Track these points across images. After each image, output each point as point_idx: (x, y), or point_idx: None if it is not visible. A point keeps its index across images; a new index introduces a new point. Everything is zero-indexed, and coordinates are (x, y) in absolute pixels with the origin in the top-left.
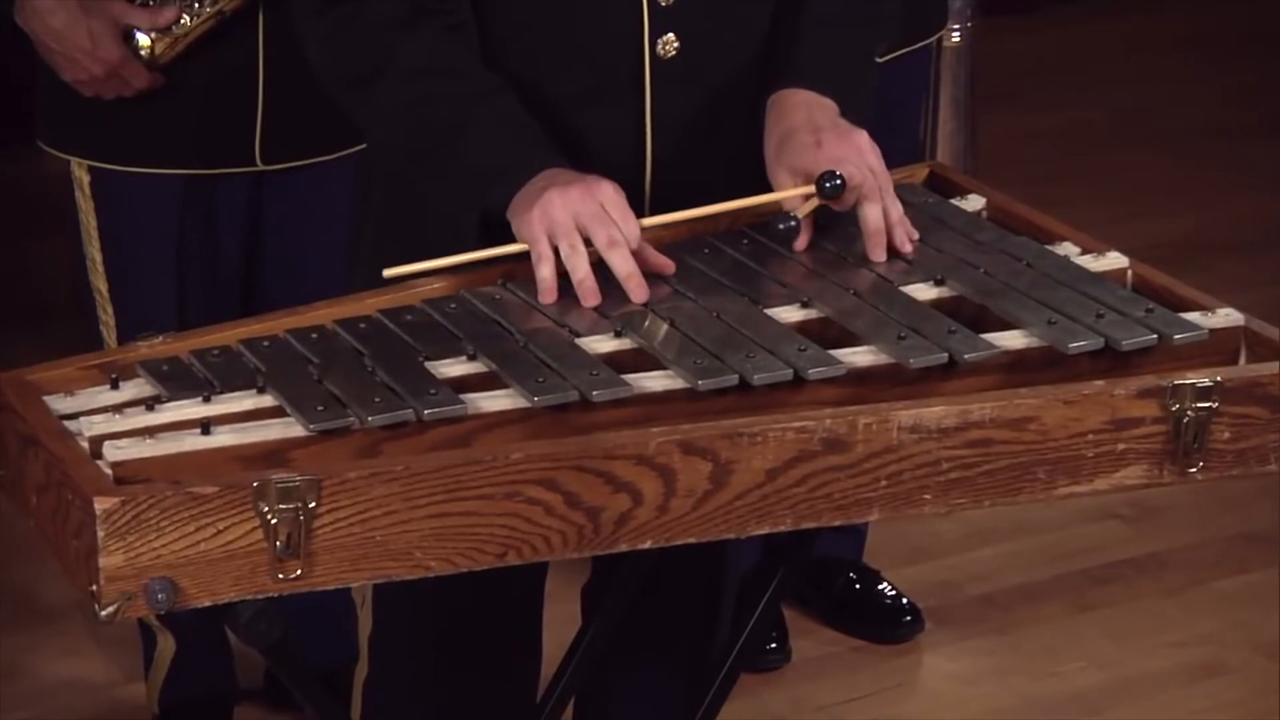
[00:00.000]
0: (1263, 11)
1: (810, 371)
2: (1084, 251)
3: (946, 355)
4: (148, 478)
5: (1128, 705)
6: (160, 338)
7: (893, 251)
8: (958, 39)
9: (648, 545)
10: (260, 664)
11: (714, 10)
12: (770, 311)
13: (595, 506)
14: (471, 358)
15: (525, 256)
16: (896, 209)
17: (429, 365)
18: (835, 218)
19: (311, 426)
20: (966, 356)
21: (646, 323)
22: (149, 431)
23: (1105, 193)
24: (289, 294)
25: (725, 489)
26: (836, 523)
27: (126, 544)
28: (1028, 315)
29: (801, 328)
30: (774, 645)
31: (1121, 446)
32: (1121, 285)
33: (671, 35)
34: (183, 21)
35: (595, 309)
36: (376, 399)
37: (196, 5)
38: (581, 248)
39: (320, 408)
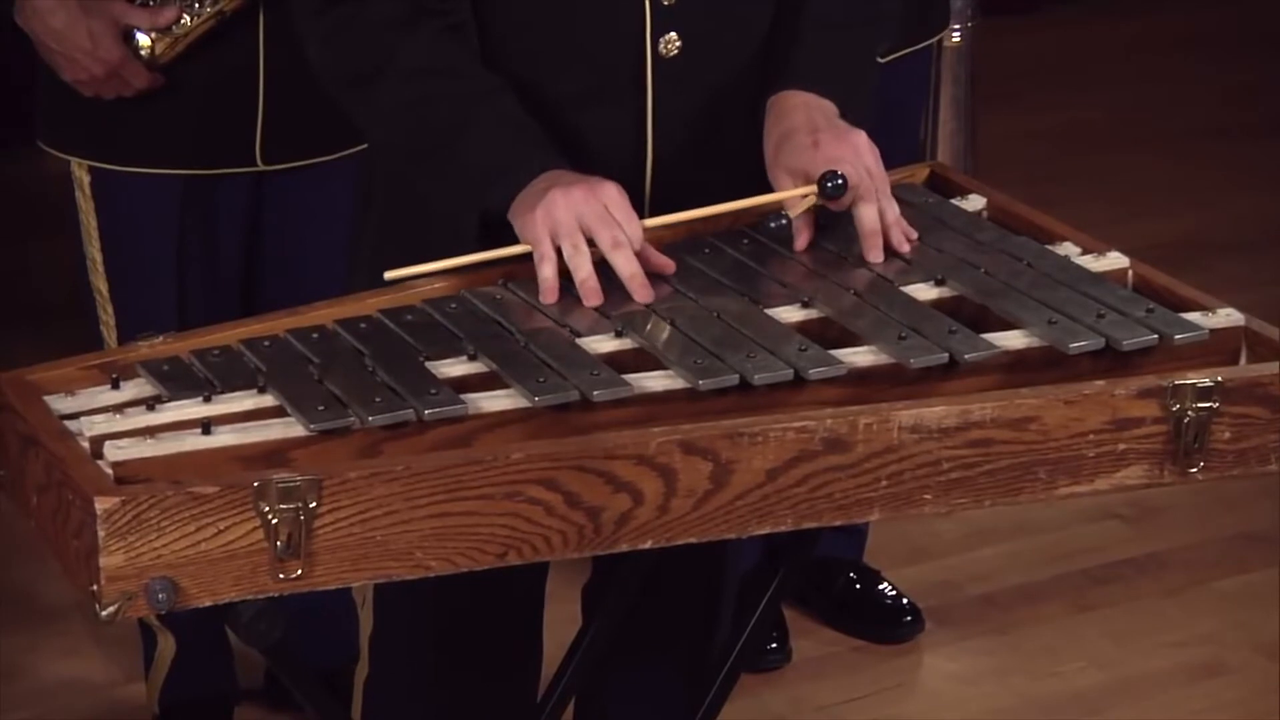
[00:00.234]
0: (1263, 11)
1: (811, 371)
2: (1084, 251)
3: (947, 355)
4: (148, 478)
5: (1128, 705)
6: (161, 338)
7: (890, 252)
8: (958, 39)
9: (648, 545)
10: (260, 664)
11: (715, 9)
12: (771, 311)
13: (596, 506)
14: (472, 358)
15: (526, 258)
16: (893, 210)
17: (429, 365)
18: (835, 218)
19: (312, 426)
20: (967, 356)
21: (649, 325)
22: (150, 431)
23: (1105, 193)
24: (289, 294)
25: (726, 489)
26: (837, 523)
27: (127, 544)
28: (1028, 315)
29: (802, 328)
30: (774, 645)
31: (1122, 446)
32: (1122, 285)
33: (673, 34)
34: (183, 21)
35: (596, 309)
36: (377, 399)
37: (197, 5)
38: (585, 248)
39: (321, 407)
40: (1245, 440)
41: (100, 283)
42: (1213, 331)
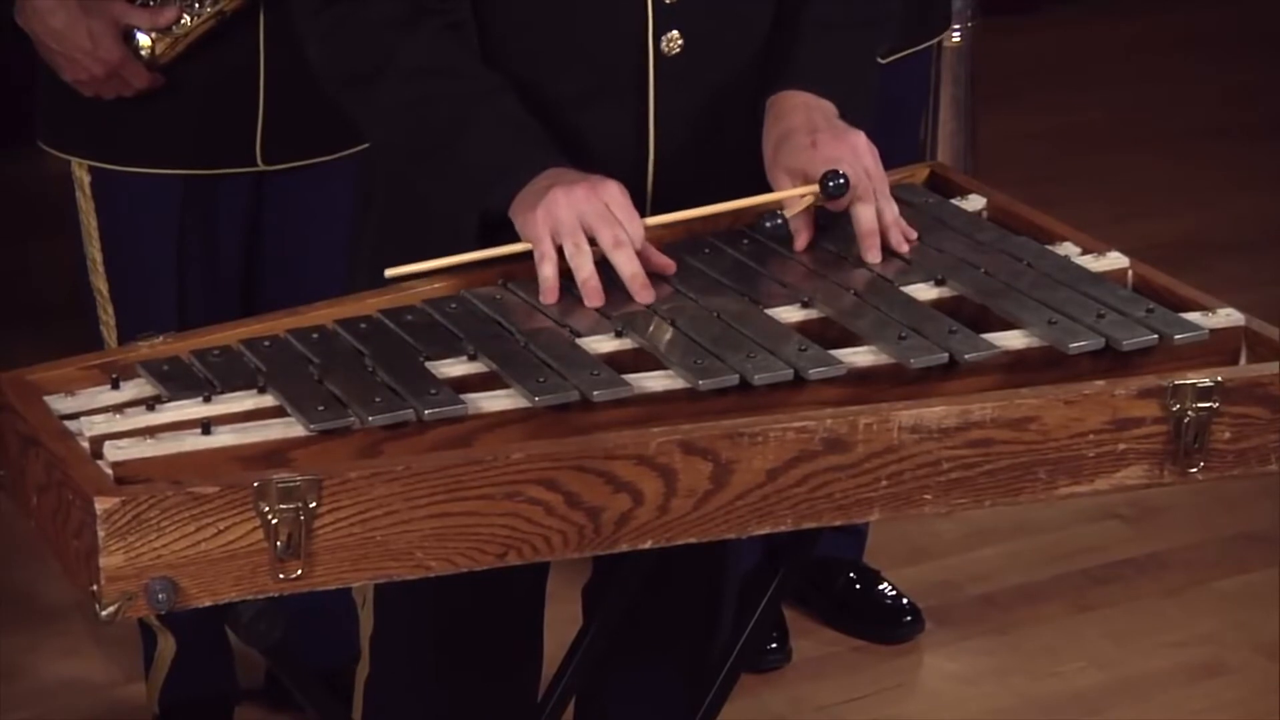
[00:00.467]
0: (1263, 12)
1: (811, 371)
2: (1084, 251)
3: (947, 355)
4: (148, 478)
5: (1128, 705)
6: (161, 338)
7: (890, 252)
8: (958, 39)
9: (648, 545)
10: (261, 664)
11: (717, 8)
12: (771, 311)
13: (596, 506)
14: (472, 358)
15: (527, 256)
16: (891, 210)
17: (429, 365)
18: (835, 218)
19: (312, 426)
20: (967, 356)
21: (649, 326)
22: (149, 431)
23: (1105, 193)
24: (289, 294)
25: (726, 489)
26: (837, 523)
27: (127, 544)
28: (1028, 315)
29: (802, 328)
30: (774, 645)
31: (1122, 446)
32: (1122, 285)
33: (675, 33)
34: (183, 21)
35: (597, 309)
36: (377, 399)
37: (197, 5)
38: (586, 247)
39: (321, 408)
40: (1245, 440)
41: (100, 283)
42: (1213, 331)
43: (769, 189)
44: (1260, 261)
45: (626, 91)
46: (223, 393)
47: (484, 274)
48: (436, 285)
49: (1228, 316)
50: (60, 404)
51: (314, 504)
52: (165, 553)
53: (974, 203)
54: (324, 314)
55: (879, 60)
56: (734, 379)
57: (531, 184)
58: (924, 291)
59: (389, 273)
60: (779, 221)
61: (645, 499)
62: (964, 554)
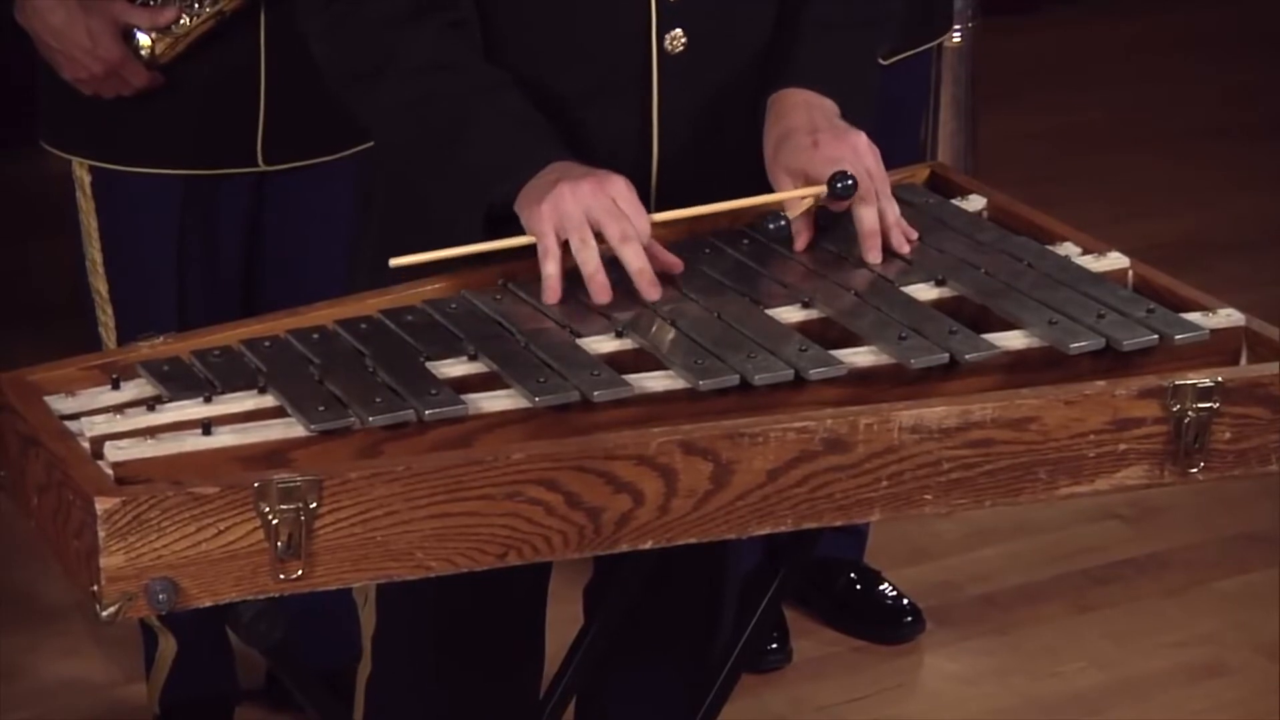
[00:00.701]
0: (1263, 12)
1: (811, 372)
2: (1085, 252)
3: (947, 355)
4: (149, 478)
5: (1128, 705)
6: (161, 338)
7: (890, 252)
8: (958, 39)
9: (649, 546)
10: (261, 664)
11: (721, 6)
12: (771, 312)
13: (596, 507)
14: (472, 358)
15: (533, 249)
16: (893, 210)
17: (430, 365)
18: (836, 218)
19: (312, 427)
20: (967, 357)
21: (649, 326)
22: (150, 432)
23: (1106, 193)
24: (290, 294)
25: (726, 489)
26: (838, 523)
27: (127, 544)
28: (1029, 315)
29: (802, 328)
30: (775, 645)
31: (1122, 447)
32: (1122, 285)
33: (679, 31)
34: (182, 22)
35: (598, 309)
36: (377, 399)
37: (196, 5)
38: (592, 242)
39: (321, 408)
40: (1246, 440)
41: (100, 283)
42: (1213, 332)
43: (771, 188)
44: (1260, 261)
45: (630, 90)
46: (223, 393)
47: (484, 274)
48: (437, 285)
49: (1228, 317)
50: (61, 404)
51: (314, 504)
52: (166, 553)
53: (974, 203)
54: (324, 314)
55: (881, 61)
56: (734, 379)
57: (537, 178)
58: (924, 292)
59: (394, 262)
60: (782, 223)
61: (646, 499)
62: (964, 554)
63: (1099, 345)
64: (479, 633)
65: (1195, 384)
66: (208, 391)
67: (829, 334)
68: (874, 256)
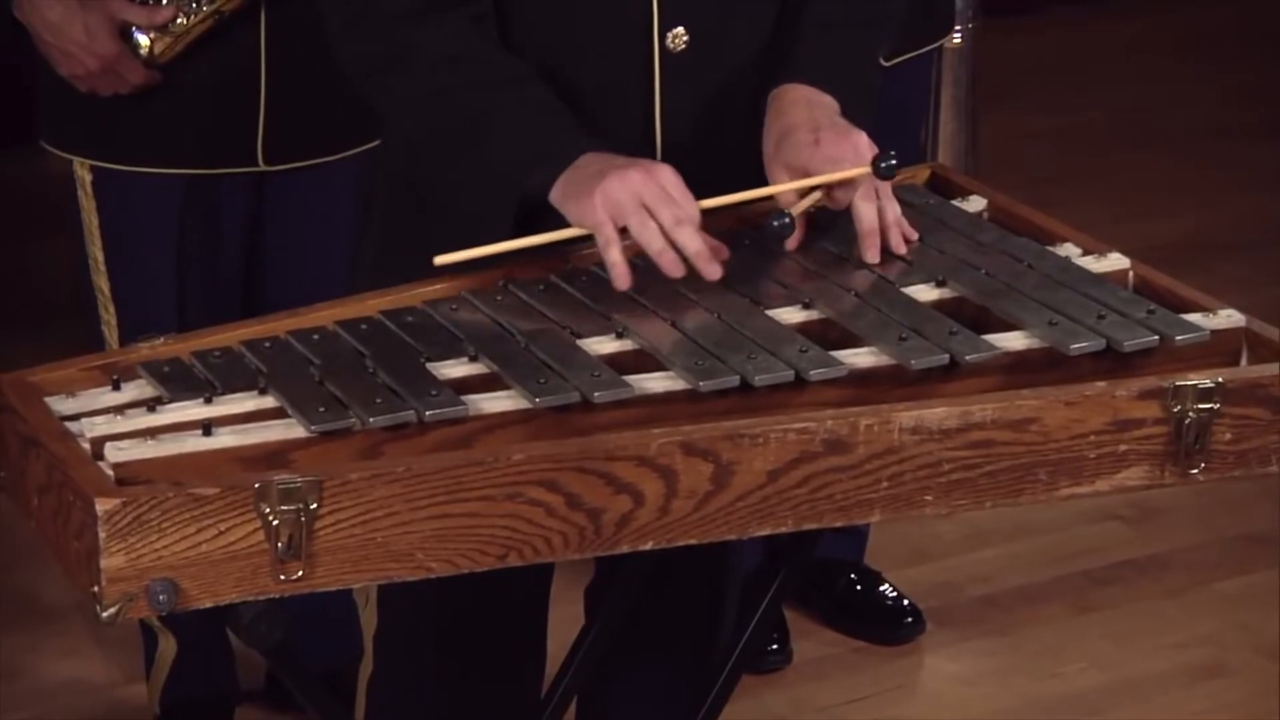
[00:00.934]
0: (1263, 12)
1: (811, 373)
2: (1085, 252)
3: (948, 356)
4: (149, 479)
5: (1128, 706)
6: (161, 339)
7: (890, 252)
8: (959, 40)
9: (649, 546)
10: (261, 665)
11: (722, 5)
12: (771, 312)
13: (596, 508)
14: (473, 359)
15: (578, 242)
16: (893, 210)
17: (430, 366)
18: (836, 218)
19: (313, 427)
20: (968, 358)
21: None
22: (150, 433)
23: (1106, 193)
24: (290, 294)
25: (726, 490)
26: (838, 524)
27: (128, 545)
28: (1029, 316)
29: (803, 329)
30: (775, 646)
31: (1123, 447)
32: (1123, 286)
33: (681, 29)
34: (179, 21)
35: (598, 311)
36: (378, 400)
37: (194, 4)
38: (652, 223)
39: (321, 409)
40: (1246, 441)
41: (102, 282)
42: (1213, 332)
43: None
44: (1260, 262)
45: (632, 87)
46: (223, 394)
47: (485, 275)
48: (437, 286)
49: (1228, 317)
50: (61, 405)
51: (315, 505)
52: (166, 554)
53: (975, 204)
54: (325, 315)
55: (883, 63)
56: (735, 380)
57: (575, 170)
58: (925, 292)
59: (438, 260)
60: (786, 220)
61: (646, 500)
62: (965, 555)
63: (1099, 346)
64: (480, 633)
65: (1196, 385)
66: (208, 392)
67: (829, 335)
68: (872, 256)
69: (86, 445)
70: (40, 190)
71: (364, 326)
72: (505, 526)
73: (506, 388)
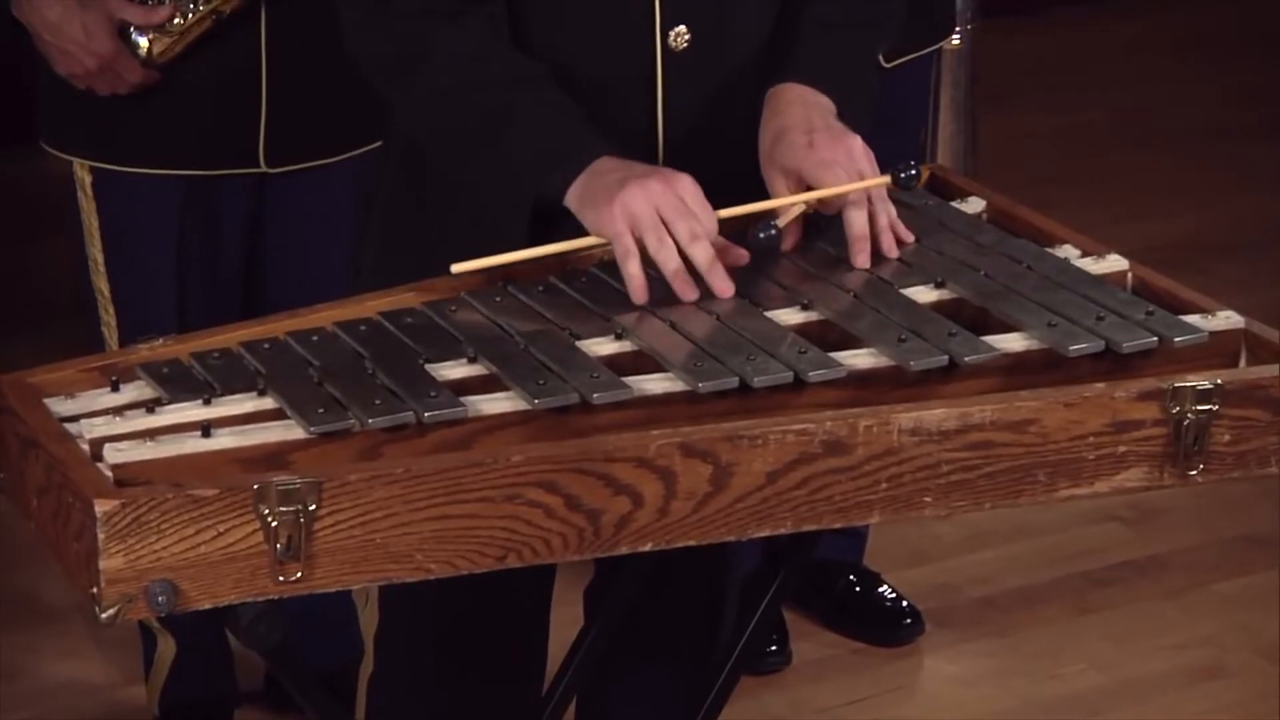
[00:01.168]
0: (1262, 12)
1: (810, 374)
2: (1084, 254)
3: (947, 358)
4: (148, 480)
5: (1128, 707)
6: (161, 340)
7: (881, 255)
8: (958, 41)
9: (648, 548)
10: (260, 666)
11: (724, 4)
12: (770, 314)
13: (596, 509)
14: (472, 360)
15: (592, 250)
16: (885, 214)
17: (429, 368)
18: (835, 219)
19: (312, 429)
20: (967, 359)
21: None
22: (149, 434)
23: (1105, 194)
24: (290, 296)
25: (726, 491)
26: (837, 525)
27: (127, 546)
28: (1028, 318)
29: (802, 330)
30: (774, 648)
31: (1122, 449)
32: (1122, 288)
33: (683, 28)
34: (177, 20)
35: (597, 312)
36: (377, 401)
37: (192, 4)
38: (670, 241)
39: (320, 410)
40: (1245, 443)
41: (101, 283)
42: (1212, 334)
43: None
44: (1260, 263)
45: (635, 85)
46: (222, 395)
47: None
48: (437, 287)
49: (1227, 319)
50: (60, 406)
51: (314, 506)
52: (165, 555)
53: (974, 205)
54: (324, 316)
55: (884, 65)
56: (734, 381)
57: (591, 175)
58: (924, 294)
59: (455, 268)
60: (773, 232)
61: (645, 501)
62: (964, 556)
63: (1098, 347)
64: (481, 634)
65: (1194, 386)
66: (207, 394)
67: (828, 336)
68: (862, 261)
69: (85, 446)
70: (40, 190)
71: (363, 328)
72: (504, 528)
73: (505, 389)
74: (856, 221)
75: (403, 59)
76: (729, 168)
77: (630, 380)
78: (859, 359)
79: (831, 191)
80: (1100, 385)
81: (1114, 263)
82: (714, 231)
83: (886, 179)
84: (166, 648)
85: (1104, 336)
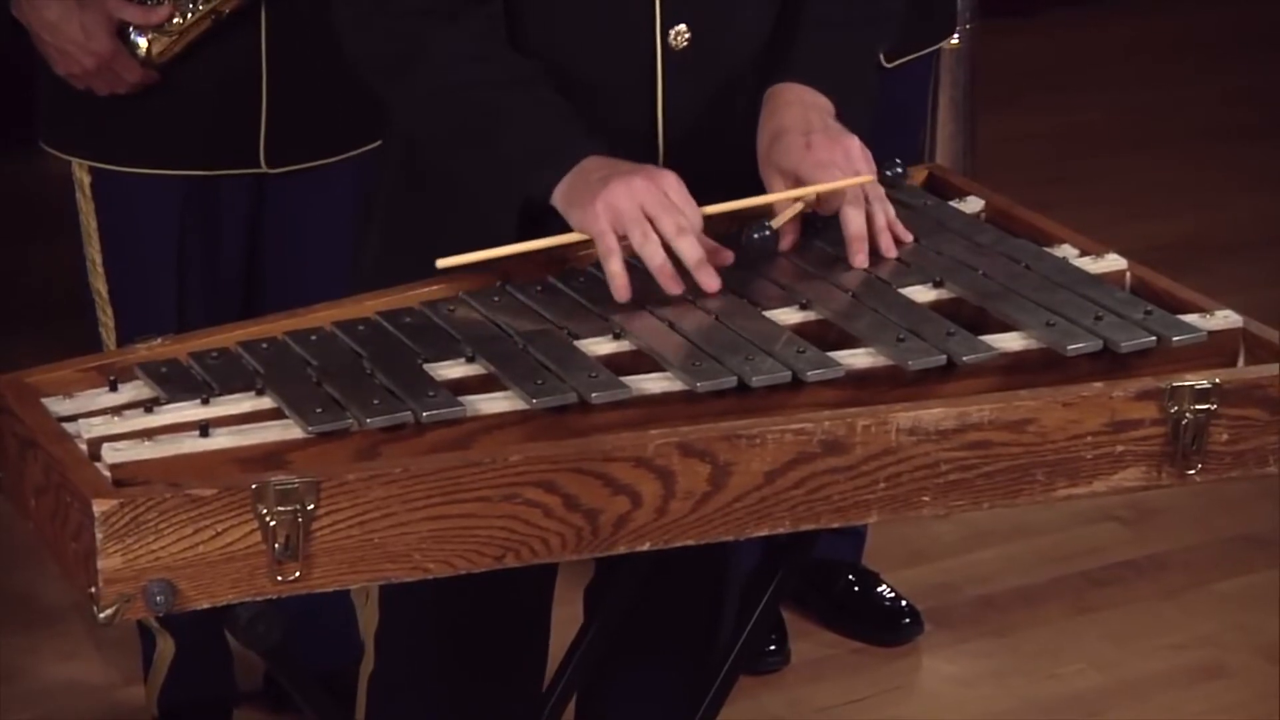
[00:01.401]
0: (1262, 13)
1: (809, 373)
2: (1083, 253)
3: (945, 357)
4: (146, 480)
5: (1127, 707)
6: (159, 340)
7: (880, 255)
8: (957, 41)
9: (647, 547)
10: (259, 666)
11: (724, 2)
12: (769, 313)
13: (594, 508)
14: (470, 360)
15: (579, 246)
16: (883, 214)
17: (428, 367)
18: (834, 219)
19: (310, 428)
20: (965, 358)
21: (647, 328)
22: (148, 434)
23: (1104, 194)
24: (290, 296)
25: (724, 491)
26: (835, 525)
27: (125, 546)
28: (1026, 317)
29: (800, 329)
30: (773, 647)
31: (1120, 448)
32: (1120, 287)
33: (683, 26)
34: (176, 20)
35: (595, 312)
36: (375, 401)
37: (191, 4)
38: (654, 235)
39: (319, 410)
40: (1243, 442)
41: (99, 284)
42: (1211, 333)
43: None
44: (1260, 263)
45: (635, 84)
46: (221, 395)
47: (484, 276)
48: (435, 287)
49: (1226, 318)
50: (58, 406)
51: (312, 506)
52: (163, 555)
53: (973, 205)
54: (322, 316)
55: (884, 65)
56: (732, 381)
57: (578, 174)
58: (922, 293)
59: (440, 263)
60: (767, 233)
61: (643, 501)
62: (962, 556)
63: (1097, 347)
64: (481, 633)
65: (1193, 386)
66: (205, 393)
67: (827, 335)
68: (859, 261)
69: (84, 446)
70: (40, 191)
71: (361, 328)
72: (503, 527)
73: (504, 389)
74: (854, 221)
75: (401, 58)
76: (729, 167)
77: (628, 380)
78: (857, 358)
79: (817, 189)
80: (1098, 385)
81: (1112, 262)
82: (699, 226)
83: (871, 177)
84: (165, 648)
85: (1102, 336)
